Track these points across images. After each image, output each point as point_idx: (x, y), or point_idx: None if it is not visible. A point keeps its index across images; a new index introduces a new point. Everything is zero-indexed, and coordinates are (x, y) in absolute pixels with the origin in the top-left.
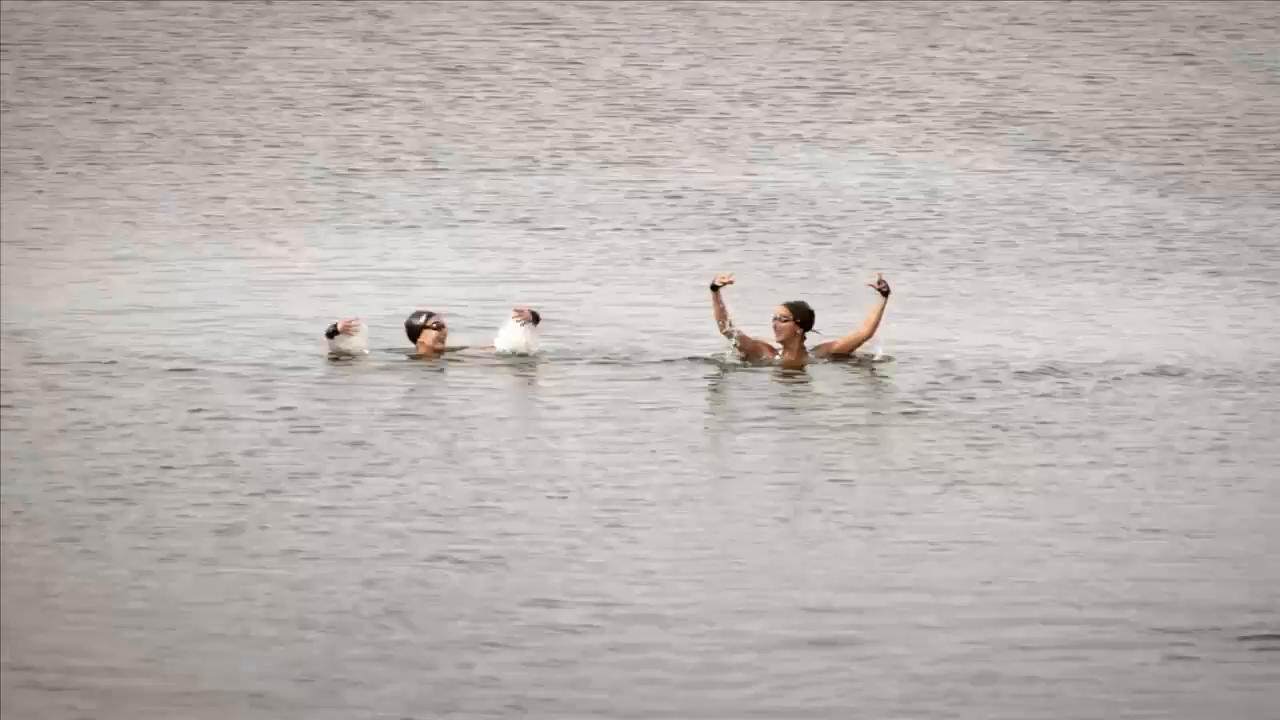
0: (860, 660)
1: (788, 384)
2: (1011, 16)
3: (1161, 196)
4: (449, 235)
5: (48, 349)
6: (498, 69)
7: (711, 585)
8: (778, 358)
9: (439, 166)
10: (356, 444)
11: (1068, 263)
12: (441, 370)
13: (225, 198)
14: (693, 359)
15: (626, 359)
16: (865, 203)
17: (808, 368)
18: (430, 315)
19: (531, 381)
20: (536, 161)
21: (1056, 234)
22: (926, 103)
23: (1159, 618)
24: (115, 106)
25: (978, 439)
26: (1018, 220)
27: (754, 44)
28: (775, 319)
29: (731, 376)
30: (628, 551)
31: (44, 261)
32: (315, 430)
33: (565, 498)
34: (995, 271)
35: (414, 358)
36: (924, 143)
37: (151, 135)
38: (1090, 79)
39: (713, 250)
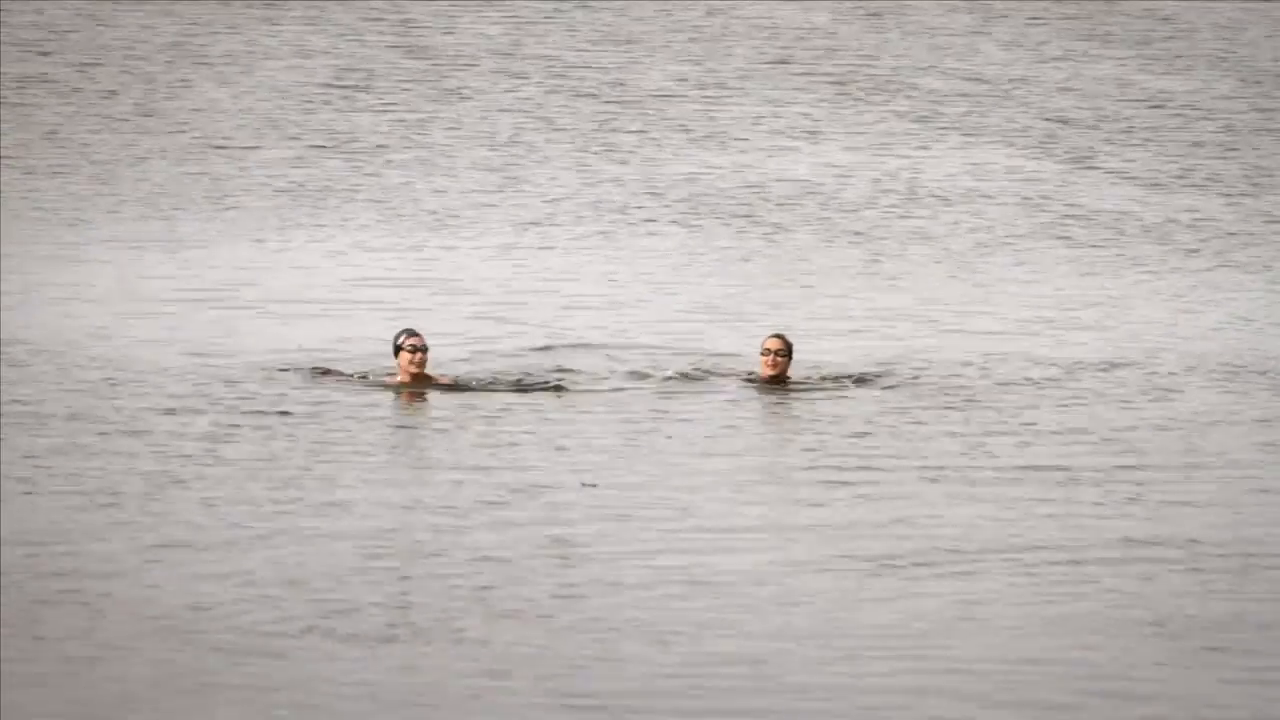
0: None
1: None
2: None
3: (1163, 191)
4: (441, 237)
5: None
6: (487, 63)
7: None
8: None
9: (432, 165)
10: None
11: (1071, 257)
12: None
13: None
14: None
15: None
16: (831, 194)
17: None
18: (409, 334)
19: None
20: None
21: (1050, 227)
22: (918, 96)
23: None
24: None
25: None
26: (1013, 213)
27: (749, 38)
28: (775, 352)
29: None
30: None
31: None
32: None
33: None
34: (991, 267)
35: (396, 385)
36: (916, 138)
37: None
38: (1090, 75)
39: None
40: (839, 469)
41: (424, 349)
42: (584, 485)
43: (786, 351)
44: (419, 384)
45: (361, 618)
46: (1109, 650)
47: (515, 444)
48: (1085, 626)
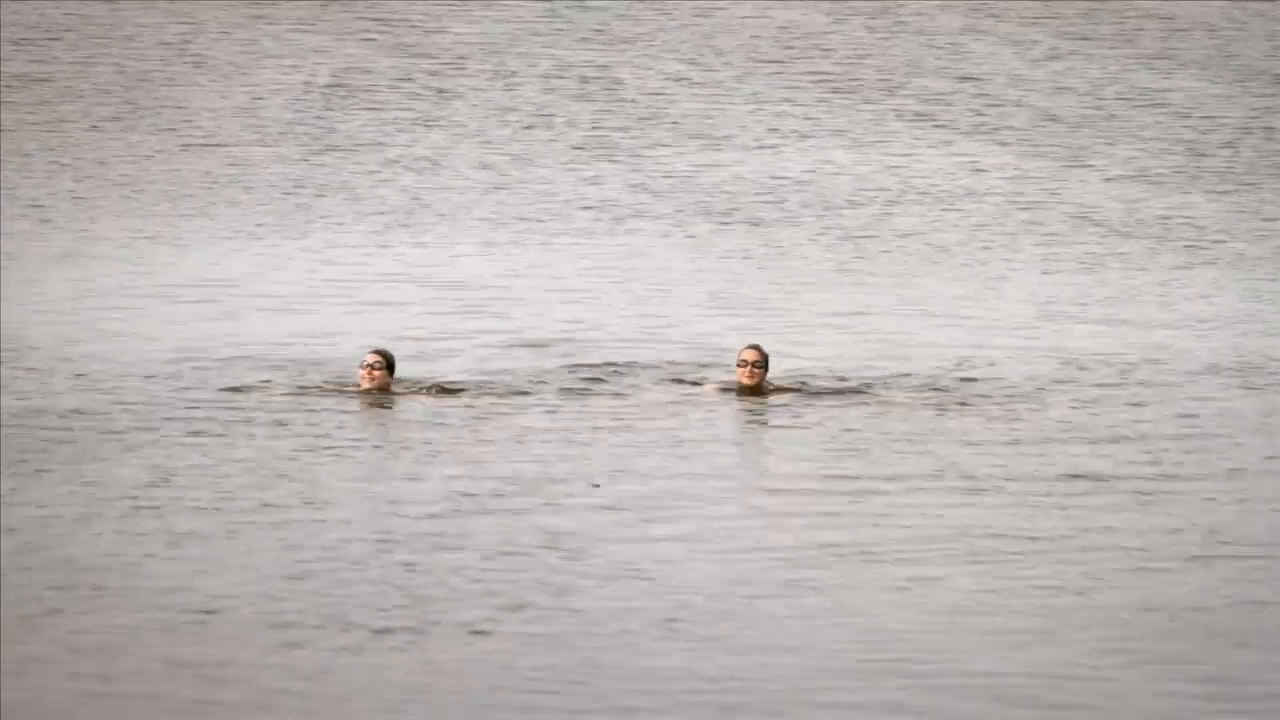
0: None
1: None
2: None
3: (1161, 189)
4: (432, 237)
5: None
6: (483, 62)
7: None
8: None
9: (433, 166)
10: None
11: (1071, 255)
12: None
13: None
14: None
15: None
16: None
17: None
18: (371, 352)
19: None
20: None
21: (1042, 227)
22: (912, 94)
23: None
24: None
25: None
26: (1006, 211)
27: (749, 37)
28: (751, 364)
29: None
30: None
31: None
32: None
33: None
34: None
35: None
36: (912, 135)
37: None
38: (1088, 78)
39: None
40: (836, 470)
41: (379, 367)
42: (593, 485)
43: (763, 362)
44: (381, 393)
45: (368, 613)
46: (1110, 650)
47: (519, 442)
48: (1086, 623)
